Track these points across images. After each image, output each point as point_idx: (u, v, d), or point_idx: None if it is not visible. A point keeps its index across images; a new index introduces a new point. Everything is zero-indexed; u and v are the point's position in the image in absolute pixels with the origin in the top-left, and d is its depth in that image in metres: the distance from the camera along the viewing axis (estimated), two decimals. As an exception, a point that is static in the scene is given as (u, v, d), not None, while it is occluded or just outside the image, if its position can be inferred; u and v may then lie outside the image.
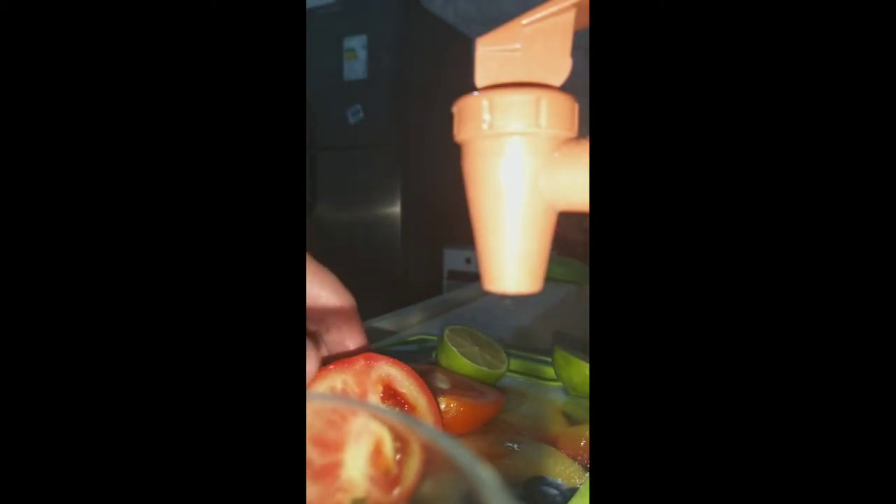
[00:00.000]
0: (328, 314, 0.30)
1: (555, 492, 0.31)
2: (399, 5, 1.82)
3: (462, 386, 0.38)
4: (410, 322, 0.69)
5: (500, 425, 0.38)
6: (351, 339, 0.31)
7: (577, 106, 0.19)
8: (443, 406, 0.34)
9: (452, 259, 2.00)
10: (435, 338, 0.57)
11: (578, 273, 1.03)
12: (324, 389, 0.25)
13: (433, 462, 0.14)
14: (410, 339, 0.58)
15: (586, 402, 0.42)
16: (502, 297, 0.83)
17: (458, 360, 0.43)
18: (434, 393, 0.34)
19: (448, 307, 0.79)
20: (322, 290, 0.31)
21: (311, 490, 0.17)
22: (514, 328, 0.68)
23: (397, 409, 0.31)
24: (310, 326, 0.30)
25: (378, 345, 0.56)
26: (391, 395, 0.28)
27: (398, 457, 0.16)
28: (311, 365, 0.24)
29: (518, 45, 0.20)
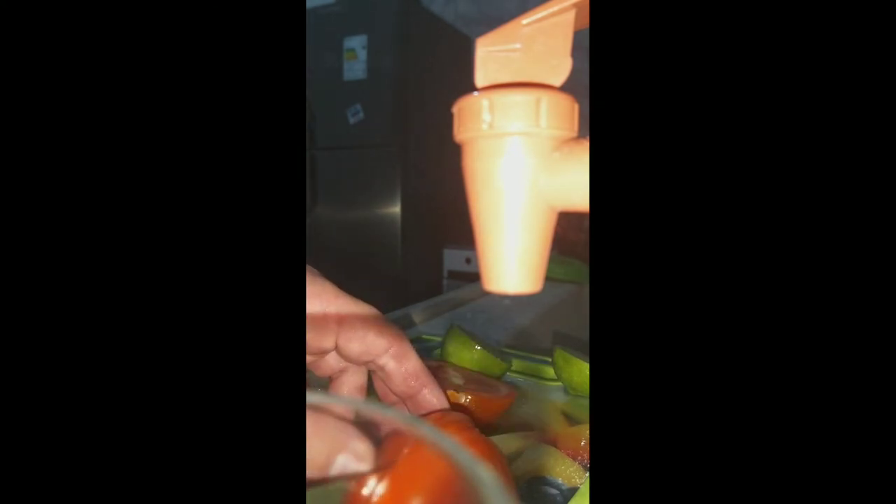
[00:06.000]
0: (344, 321, 0.30)
1: (555, 492, 0.31)
2: (399, 5, 1.82)
3: (475, 381, 0.38)
4: (410, 322, 0.69)
5: (500, 425, 0.38)
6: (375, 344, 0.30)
7: (577, 106, 0.19)
8: (462, 400, 0.34)
9: (452, 259, 2.00)
10: (435, 338, 0.57)
11: (578, 273, 1.03)
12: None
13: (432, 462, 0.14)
14: (410, 339, 0.58)
15: (586, 402, 0.42)
16: (502, 297, 0.83)
17: (470, 349, 0.43)
18: (449, 388, 0.34)
19: (448, 307, 0.79)
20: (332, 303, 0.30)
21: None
22: (514, 328, 0.68)
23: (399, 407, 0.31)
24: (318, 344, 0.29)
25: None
26: None
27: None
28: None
29: (518, 45, 0.20)
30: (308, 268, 0.30)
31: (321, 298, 0.29)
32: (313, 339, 0.29)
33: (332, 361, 0.31)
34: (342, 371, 0.32)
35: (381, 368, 0.30)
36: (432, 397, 0.30)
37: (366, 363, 0.30)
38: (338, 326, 0.29)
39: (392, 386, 0.30)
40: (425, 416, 0.30)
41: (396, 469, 0.16)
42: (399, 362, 0.30)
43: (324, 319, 0.29)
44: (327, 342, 0.29)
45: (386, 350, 0.30)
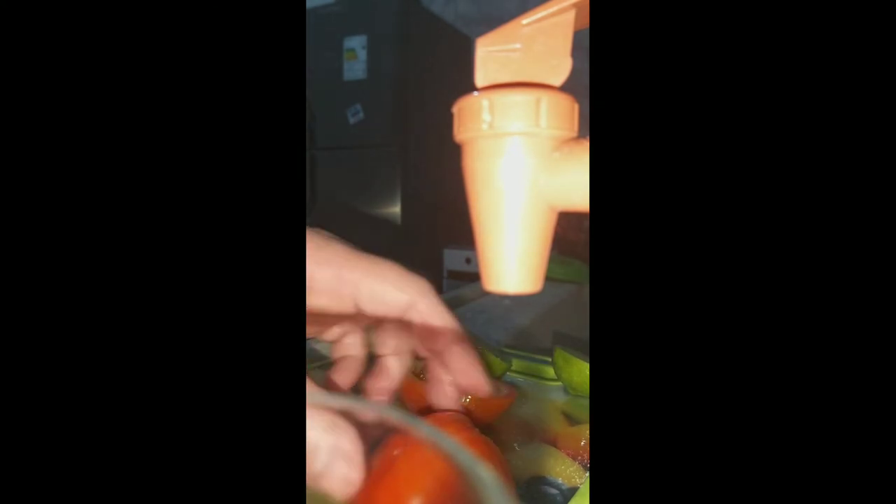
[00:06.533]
0: (438, 337, 0.28)
1: (555, 492, 0.31)
2: (399, 5, 1.82)
3: None
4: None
5: (500, 425, 0.38)
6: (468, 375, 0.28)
7: (577, 106, 0.19)
8: (462, 400, 0.34)
9: (452, 259, 2.00)
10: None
11: (578, 273, 1.03)
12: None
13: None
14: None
15: (586, 402, 0.42)
16: (502, 297, 0.83)
17: None
18: None
19: (448, 307, 0.78)
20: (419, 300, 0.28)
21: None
22: (514, 328, 0.68)
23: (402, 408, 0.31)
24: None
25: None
26: None
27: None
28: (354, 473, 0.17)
29: (518, 45, 0.20)
30: (317, 231, 0.28)
31: (332, 262, 0.28)
32: (331, 303, 0.28)
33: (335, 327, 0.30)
34: (343, 335, 0.31)
35: (409, 324, 0.28)
36: (463, 353, 0.28)
37: (394, 319, 0.29)
38: (354, 288, 0.28)
39: (422, 341, 0.28)
40: (424, 416, 0.29)
41: (396, 469, 0.16)
42: (423, 317, 0.28)
43: (338, 282, 0.27)
44: (346, 305, 0.28)
45: (410, 305, 0.28)
